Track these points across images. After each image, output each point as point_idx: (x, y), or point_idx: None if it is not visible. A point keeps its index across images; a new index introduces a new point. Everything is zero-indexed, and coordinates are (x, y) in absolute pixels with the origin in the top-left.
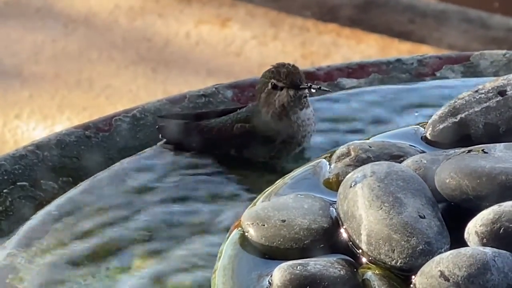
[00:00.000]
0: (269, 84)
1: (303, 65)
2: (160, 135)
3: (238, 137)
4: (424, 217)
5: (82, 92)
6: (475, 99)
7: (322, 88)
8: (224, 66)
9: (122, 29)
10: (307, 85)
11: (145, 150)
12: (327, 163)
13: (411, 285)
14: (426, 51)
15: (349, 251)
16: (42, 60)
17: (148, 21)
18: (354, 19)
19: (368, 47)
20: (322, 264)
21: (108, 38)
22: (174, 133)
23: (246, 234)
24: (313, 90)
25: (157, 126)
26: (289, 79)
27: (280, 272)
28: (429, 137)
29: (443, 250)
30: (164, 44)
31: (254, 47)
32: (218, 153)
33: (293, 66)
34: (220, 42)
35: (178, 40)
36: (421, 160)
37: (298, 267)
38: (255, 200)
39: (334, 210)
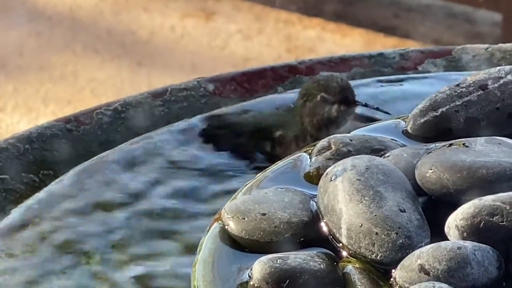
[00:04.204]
0: (318, 96)
1: (288, 60)
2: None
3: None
4: (404, 211)
5: (67, 85)
6: (456, 93)
7: (379, 108)
8: (209, 60)
9: (107, 22)
10: (362, 103)
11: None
12: (308, 156)
13: (391, 279)
14: (411, 46)
15: (329, 244)
16: (27, 53)
17: (133, 15)
18: (339, 14)
19: (353, 42)
20: (302, 257)
21: (93, 31)
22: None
23: (226, 227)
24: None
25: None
26: (342, 95)
27: (260, 265)
28: (410, 131)
29: (423, 244)
30: (149, 38)
31: (239, 41)
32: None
33: (345, 81)
34: (205, 36)
35: (163, 33)
36: (402, 154)
37: (278, 260)
38: (235, 194)
39: (315, 204)
